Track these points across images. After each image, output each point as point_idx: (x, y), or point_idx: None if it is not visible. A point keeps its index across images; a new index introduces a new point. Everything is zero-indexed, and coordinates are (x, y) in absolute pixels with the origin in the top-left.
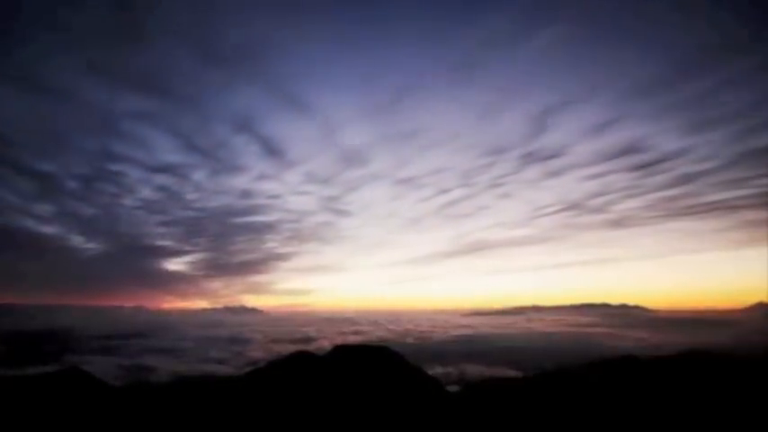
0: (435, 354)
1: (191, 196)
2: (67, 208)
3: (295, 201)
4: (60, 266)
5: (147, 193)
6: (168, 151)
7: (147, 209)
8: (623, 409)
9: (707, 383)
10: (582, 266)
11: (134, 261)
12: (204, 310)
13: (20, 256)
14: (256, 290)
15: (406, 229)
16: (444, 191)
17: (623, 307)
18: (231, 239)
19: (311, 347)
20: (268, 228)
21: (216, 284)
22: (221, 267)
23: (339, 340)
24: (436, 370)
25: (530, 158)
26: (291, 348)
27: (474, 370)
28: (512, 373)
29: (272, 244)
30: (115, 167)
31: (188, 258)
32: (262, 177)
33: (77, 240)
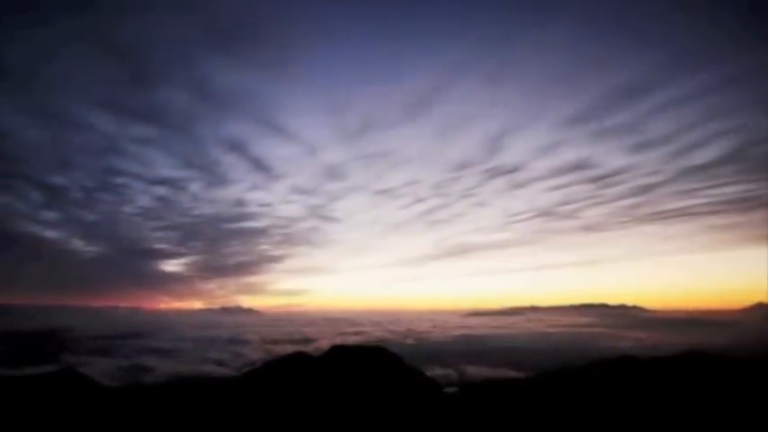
0: (433, 354)
1: (187, 205)
2: (71, 215)
3: (284, 208)
4: (59, 268)
5: (145, 201)
6: (166, 167)
7: (146, 215)
8: (622, 409)
9: (706, 384)
10: (580, 267)
11: (131, 263)
12: (200, 311)
13: (21, 257)
14: (251, 290)
15: (391, 233)
16: (420, 200)
17: (622, 307)
18: (225, 243)
19: (309, 348)
20: (260, 232)
21: (211, 285)
22: (216, 269)
23: (336, 340)
24: (434, 370)
25: (493, 172)
26: (288, 349)
27: (472, 370)
28: (510, 373)
29: (264, 247)
30: (117, 180)
31: (184, 260)
32: (252, 188)
33: (78, 244)
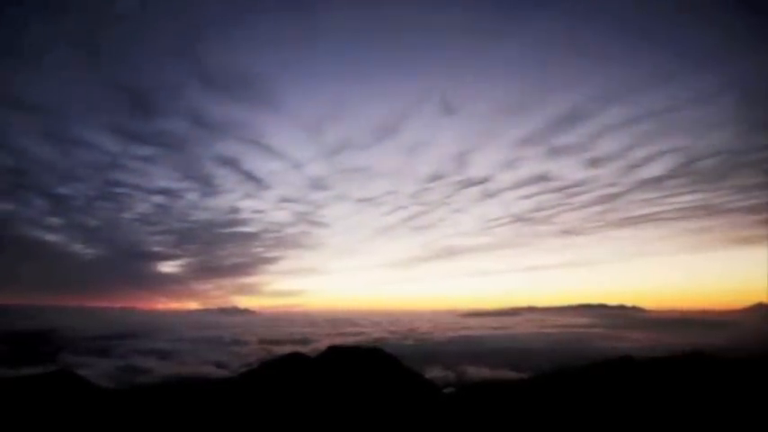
0: (430, 355)
1: (183, 211)
2: (74, 221)
3: (275, 215)
4: (58, 269)
5: (144, 208)
6: (164, 180)
7: (144, 221)
8: (621, 410)
9: (705, 385)
10: (579, 267)
11: (129, 264)
12: (197, 311)
13: (22, 259)
14: (246, 291)
15: (378, 237)
16: (401, 207)
17: (621, 308)
18: (220, 246)
19: (305, 348)
20: (254, 236)
21: (207, 286)
22: (212, 270)
23: (333, 341)
24: (431, 371)
25: (463, 183)
26: (285, 349)
27: (470, 371)
28: (508, 374)
29: (258, 249)
30: (118, 191)
31: (180, 262)
32: (245, 197)
33: (78, 247)
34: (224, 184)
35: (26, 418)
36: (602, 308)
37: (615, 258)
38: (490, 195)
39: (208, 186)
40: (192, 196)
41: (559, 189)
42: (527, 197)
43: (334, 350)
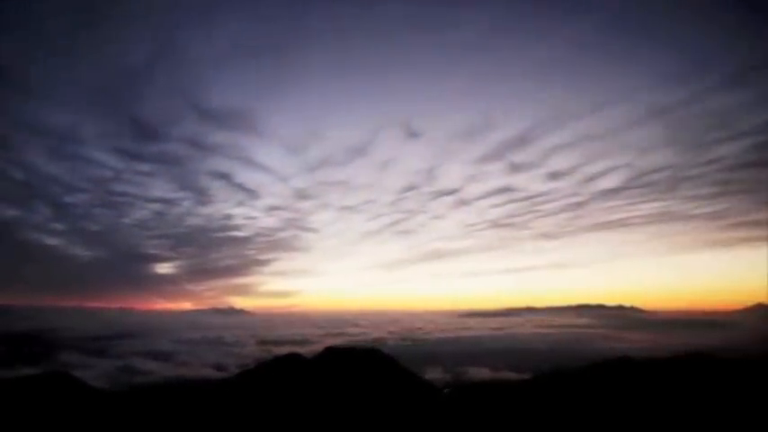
0: (428, 355)
1: (179, 217)
2: (75, 225)
3: (266, 220)
4: (57, 270)
5: (142, 214)
6: (161, 191)
7: (141, 226)
8: (619, 412)
9: (704, 385)
10: (577, 267)
11: (126, 266)
12: (192, 311)
13: (23, 261)
14: (241, 292)
15: (366, 240)
16: (382, 214)
17: (619, 308)
18: (215, 249)
19: (302, 349)
20: (246, 240)
21: (202, 287)
22: (207, 271)
23: (330, 341)
24: (428, 372)
25: (435, 194)
26: (282, 350)
27: (467, 372)
28: (507, 374)
29: (251, 252)
30: (118, 200)
31: (176, 263)
32: (237, 205)
33: (77, 249)
34: (217, 194)
35: (20, 420)
36: (600, 308)
37: (613, 258)
38: (464, 203)
39: (202, 196)
40: (188, 204)
41: (524, 199)
42: (498, 206)
43: (331, 351)
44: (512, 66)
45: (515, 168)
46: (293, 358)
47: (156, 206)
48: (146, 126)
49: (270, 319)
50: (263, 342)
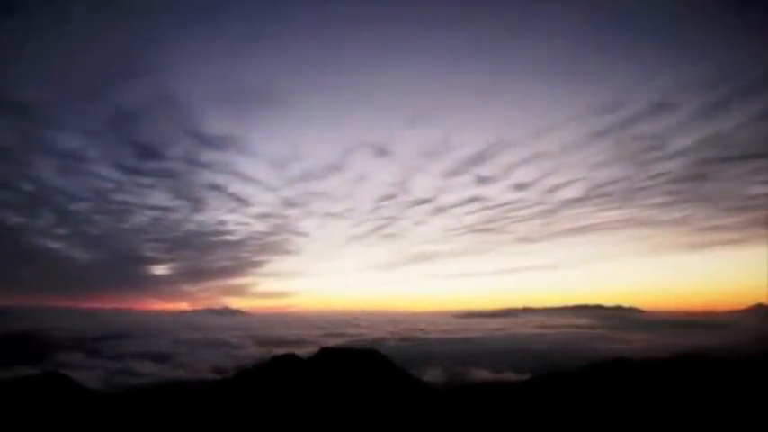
0: (424, 356)
1: (175, 223)
2: (77, 230)
3: (258, 226)
4: (57, 272)
5: (140, 220)
6: (159, 200)
7: (139, 231)
8: (618, 413)
9: (703, 386)
10: (574, 267)
11: (123, 267)
12: (188, 312)
13: (25, 264)
14: (236, 292)
15: (355, 243)
16: (366, 221)
17: (618, 308)
18: (210, 251)
19: (298, 349)
20: (240, 243)
21: (197, 287)
22: (202, 272)
23: (326, 342)
24: (425, 373)
25: (411, 203)
26: (278, 350)
27: (464, 373)
28: (504, 375)
29: (245, 254)
30: (118, 207)
31: (172, 265)
32: (230, 212)
33: (77, 252)
34: (211, 203)
35: (15, 421)
36: (598, 309)
37: (611, 259)
38: (441, 210)
39: (197, 204)
40: (184, 212)
41: (499, 205)
42: (473, 212)
43: (327, 352)
44: (468, 91)
45: (482, 180)
46: (289, 359)
47: (154, 213)
48: (146, 147)
49: (266, 319)
50: (261, 343)
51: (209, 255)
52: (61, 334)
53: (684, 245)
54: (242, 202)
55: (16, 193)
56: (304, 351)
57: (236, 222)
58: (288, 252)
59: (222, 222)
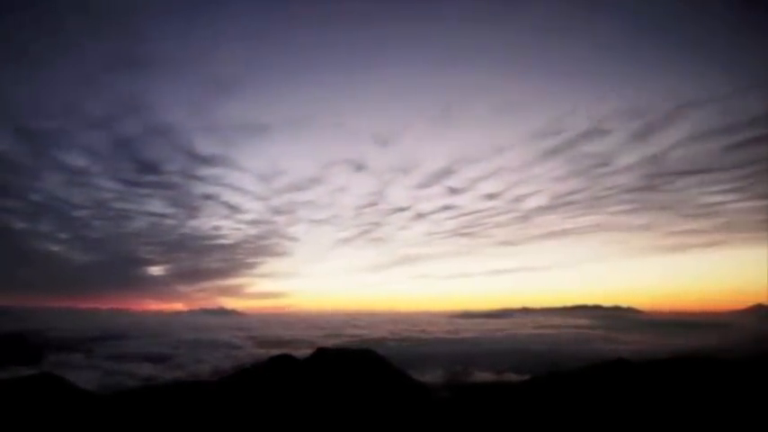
0: (421, 357)
1: (171, 227)
2: (78, 234)
3: (251, 230)
4: (56, 273)
5: (138, 225)
6: (156, 207)
7: (137, 235)
8: (616, 414)
9: (702, 388)
10: (572, 267)
11: (120, 268)
12: (184, 312)
13: (27, 267)
14: (231, 293)
15: (344, 246)
16: (351, 226)
17: (616, 309)
18: (205, 254)
19: (294, 350)
20: (234, 246)
21: (193, 288)
22: (197, 273)
23: (322, 342)
24: (422, 374)
25: (389, 211)
26: (274, 351)
27: (460, 373)
28: (502, 376)
29: (239, 256)
30: (118, 214)
31: (168, 266)
32: (223, 218)
33: (76, 254)
34: (205, 210)
35: (9, 422)
36: (596, 309)
37: (609, 258)
38: (420, 217)
39: (192, 211)
40: (179, 218)
41: (469, 213)
42: (452, 218)
43: (323, 352)
44: (429, 112)
45: (453, 191)
46: (285, 360)
47: (151, 219)
48: (145, 164)
49: (262, 319)
50: (260, 343)
51: (205, 257)
52: (58, 334)
53: (702, 242)
54: (234, 209)
55: (24, 202)
56: (303, 351)
57: (229, 228)
58: (280, 254)
59: (216, 228)
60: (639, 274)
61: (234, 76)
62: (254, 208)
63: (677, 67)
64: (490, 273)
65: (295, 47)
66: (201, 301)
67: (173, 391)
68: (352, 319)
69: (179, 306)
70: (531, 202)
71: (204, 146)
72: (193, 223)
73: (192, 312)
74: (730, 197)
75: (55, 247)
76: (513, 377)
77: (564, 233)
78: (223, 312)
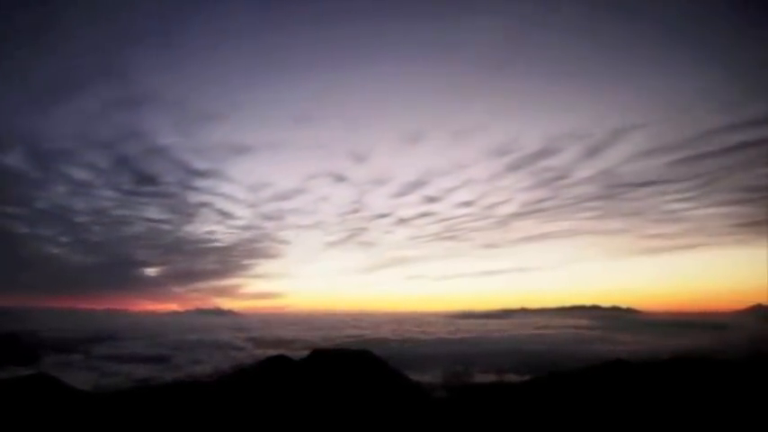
0: (419, 357)
1: (168, 231)
2: (78, 238)
3: (243, 234)
4: (55, 274)
5: (136, 229)
6: (153, 213)
7: (135, 238)
8: (615, 416)
9: (702, 388)
10: (571, 268)
11: (117, 269)
12: (180, 313)
13: (25, 268)
14: (226, 293)
15: (334, 249)
16: (337, 230)
17: (615, 309)
18: (200, 256)
19: (294, 350)
20: (229, 248)
21: (189, 289)
22: (193, 274)
23: (319, 343)
24: (420, 375)
25: (372, 217)
26: (269, 352)
27: (459, 374)
28: (500, 377)
29: (234, 258)
30: (117, 219)
31: (164, 268)
32: (217, 224)
33: (75, 256)
34: (200, 216)
35: (3, 423)
36: (595, 309)
37: (606, 258)
38: (402, 222)
39: (188, 217)
40: (175, 223)
41: (445, 219)
42: (433, 223)
43: (319, 353)
44: (396, 133)
45: (429, 199)
46: (281, 360)
47: (148, 224)
48: (144, 176)
49: (259, 319)
50: (258, 344)
51: (200, 259)
52: (54, 335)
53: (701, 242)
54: (227, 215)
55: (30, 209)
56: (301, 352)
57: (223, 232)
58: (272, 256)
59: (210, 232)
60: (639, 275)
61: (218, 107)
62: (245, 215)
63: (614, 93)
64: (485, 273)
65: (273, 82)
66: (197, 302)
67: (168, 391)
68: (350, 319)
69: (174, 306)
70: (505, 209)
71: (197, 163)
72: (188, 228)
73: (188, 312)
74: (690, 204)
75: (55, 250)
76: (512, 377)
77: (543, 237)
78: (220, 313)
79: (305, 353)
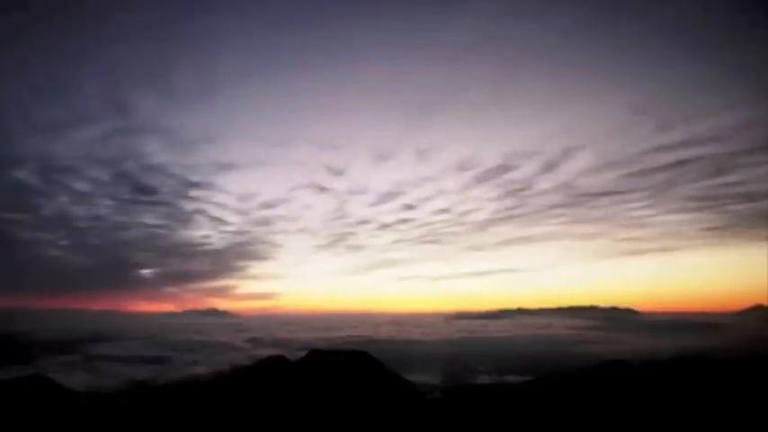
0: (417, 358)
1: (164, 235)
2: (78, 241)
3: (236, 238)
4: (53, 275)
5: (134, 233)
6: (151, 219)
7: (133, 240)
8: (614, 417)
9: (701, 388)
10: (570, 268)
11: (114, 270)
12: (176, 313)
13: (25, 269)
14: (221, 294)
15: (325, 251)
16: (327, 234)
17: (614, 310)
18: (196, 258)
19: (287, 351)
20: (224, 251)
21: (184, 289)
22: (189, 275)
23: (316, 343)
24: (417, 375)
25: (356, 222)
26: (265, 352)
27: (457, 375)
28: (498, 378)
29: (228, 259)
30: (116, 224)
31: (160, 269)
32: (212, 229)
33: (74, 258)
34: (195, 222)
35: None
36: (594, 310)
37: (593, 260)
38: (385, 227)
39: (184, 223)
40: (172, 227)
41: (424, 225)
42: (416, 227)
43: (316, 353)
44: (368, 152)
45: (407, 207)
46: (277, 360)
47: (146, 229)
48: (142, 187)
49: (254, 319)
50: (245, 343)
51: (195, 260)
52: (50, 335)
53: (700, 242)
54: (219, 221)
55: (34, 216)
56: (299, 352)
57: (217, 236)
58: (265, 258)
59: (205, 236)
60: (638, 275)
61: (208, 131)
62: (236, 221)
63: (559, 116)
64: (476, 274)
65: (254, 108)
66: (192, 302)
67: (165, 391)
68: (348, 319)
69: (171, 307)
70: (479, 216)
71: (193, 176)
72: (184, 233)
73: (184, 313)
74: (651, 211)
75: (54, 252)
76: (511, 378)
77: (524, 240)
78: (215, 313)
79: (302, 353)
